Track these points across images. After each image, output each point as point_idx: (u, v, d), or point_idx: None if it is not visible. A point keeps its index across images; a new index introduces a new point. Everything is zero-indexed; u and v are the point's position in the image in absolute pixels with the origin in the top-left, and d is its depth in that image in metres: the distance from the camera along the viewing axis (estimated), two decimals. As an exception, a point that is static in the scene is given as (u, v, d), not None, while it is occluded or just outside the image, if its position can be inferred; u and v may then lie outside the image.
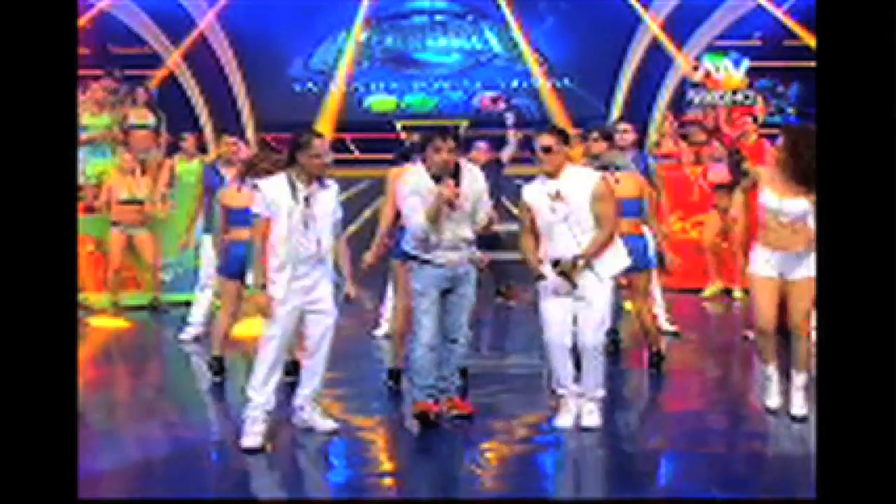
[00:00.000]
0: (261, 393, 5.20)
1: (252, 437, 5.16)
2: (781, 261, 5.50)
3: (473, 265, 5.56)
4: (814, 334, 5.48)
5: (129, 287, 9.92)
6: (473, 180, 5.49)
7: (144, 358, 8.17)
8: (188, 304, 8.60)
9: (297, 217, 5.18)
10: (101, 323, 9.05)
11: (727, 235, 10.07)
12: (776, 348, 5.71)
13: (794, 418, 5.56)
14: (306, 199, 5.21)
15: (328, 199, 5.30)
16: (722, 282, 10.12)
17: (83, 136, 10.71)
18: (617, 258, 5.46)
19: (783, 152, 5.47)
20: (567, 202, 5.32)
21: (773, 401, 5.70)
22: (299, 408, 5.46)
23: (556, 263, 5.29)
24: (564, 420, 5.51)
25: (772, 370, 5.71)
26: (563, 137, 5.46)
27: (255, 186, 5.43)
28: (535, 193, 5.45)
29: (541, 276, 5.40)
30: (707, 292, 10.09)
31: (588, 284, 5.36)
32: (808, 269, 5.38)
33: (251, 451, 5.10)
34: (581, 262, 5.28)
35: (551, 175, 5.38)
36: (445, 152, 5.35)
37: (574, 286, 5.32)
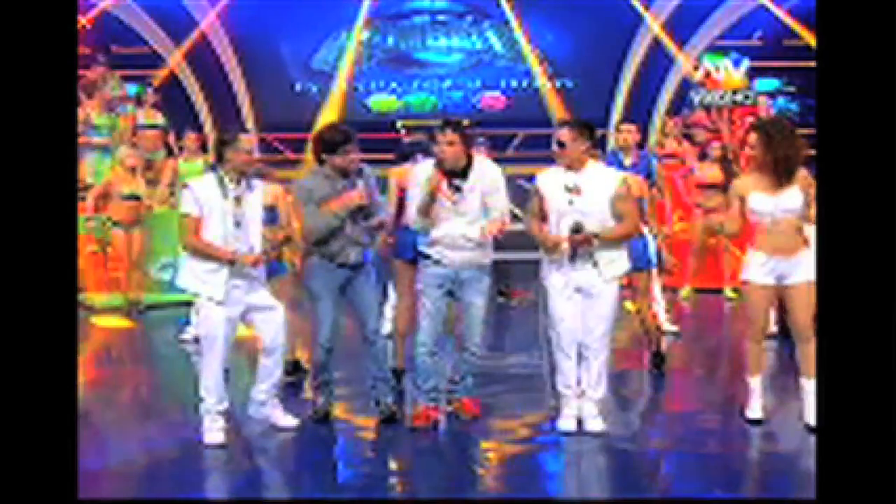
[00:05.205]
0: (213, 394, 5.26)
1: (215, 433, 5.25)
2: (779, 265, 5.34)
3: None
4: None
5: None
6: (480, 177, 5.43)
7: (145, 358, 8.18)
8: (188, 304, 8.57)
9: (230, 217, 5.17)
10: (105, 322, 9.03)
11: (714, 233, 10.12)
12: (764, 355, 5.64)
13: (811, 429, 5.26)
14: (237, 200, 5.20)
15: (257, 201, 5.30)
16: (693, 284, 10.15)
17: (97, 139, 10.72)
18: (622, 260, 5.42)
19: (759, 148, 5.31)
20: (584, 198, 5.27)
21: (755, 412, 5.56)
22: (260, 403, 5.49)
23: (577, 230, 5.21)
24: (568, 423, 5.44)
25: (755, 382, 5.58)
26: (583, 132, 5.32)
27: (184, 186, 5.39)
28: (549, 182, 5.38)
29: (556, 246, 5.26)
30: (683, 293, 10.11)
31: (595, 283, 5.34)
32: (807, 272, 5.20)
33: (218, 447, 5.20)
34: (597, 241, 5.23)
35: (571, 168, 5.32)
36: (444, 144, 5.35)
37: (573, 257, 5.26)
